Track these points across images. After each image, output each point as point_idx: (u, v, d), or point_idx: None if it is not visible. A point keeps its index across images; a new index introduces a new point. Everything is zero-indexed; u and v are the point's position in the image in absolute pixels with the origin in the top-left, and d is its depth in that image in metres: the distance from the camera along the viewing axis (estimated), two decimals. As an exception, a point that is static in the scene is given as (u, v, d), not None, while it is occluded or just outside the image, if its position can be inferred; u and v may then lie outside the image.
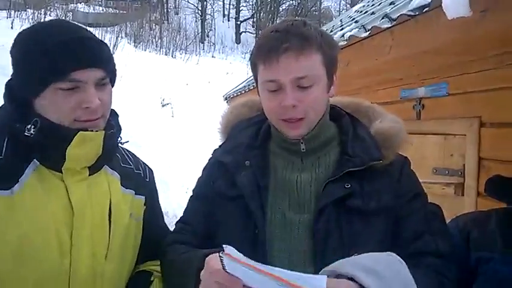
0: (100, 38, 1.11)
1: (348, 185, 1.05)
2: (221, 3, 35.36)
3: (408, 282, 0.90)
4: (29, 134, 1.02)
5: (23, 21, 17.03)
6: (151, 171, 1.37)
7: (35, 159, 1.05)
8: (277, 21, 1.22)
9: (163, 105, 14.28)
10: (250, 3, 34.30)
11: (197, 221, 1.19)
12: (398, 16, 2.00)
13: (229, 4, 35.71)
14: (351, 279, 0.87)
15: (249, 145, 1.17)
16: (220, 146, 1.26)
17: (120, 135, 1.21)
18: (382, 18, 2.21)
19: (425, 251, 1.06)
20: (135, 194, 1.24)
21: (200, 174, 1.28)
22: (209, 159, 1.27)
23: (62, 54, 1.01)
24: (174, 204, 6.46)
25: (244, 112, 1.29)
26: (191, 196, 1.27)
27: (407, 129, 2.95)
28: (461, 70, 2.34)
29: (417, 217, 1.09)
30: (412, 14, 1.90)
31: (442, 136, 2.45)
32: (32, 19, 17.89)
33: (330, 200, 1.04)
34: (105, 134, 1.09)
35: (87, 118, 1.06)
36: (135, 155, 1.36)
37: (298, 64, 1.02)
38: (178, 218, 1.29)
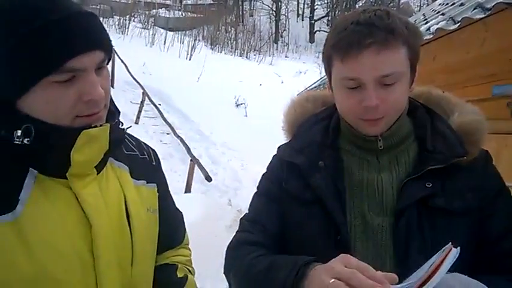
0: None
1: (429, 184, 0.97)
2: (295, 2, 35.34)
3: None
4: (19, 142, 0.84)
5: (109, 27, 18.33)
6: (155, 152, 1.24)
7: (31, 168, 0.88)
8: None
9: (237, 105, 14.57)
10: (325, 1, 33.92)
11: (269, 221, 1.12)
12: (494, 5, 1.85)
13: (304, 3, 35.59)
14: None
15: (321, 144, 1.10)
16: (286, 145, 1.19)
17: (120, 120, 1.04)
18: (475, 8, 2.06)
19: None
20: (147, 183, 1.12)
21: (266, 171, 1.21)
22: (274, 157, 1.20)
23: (54, 39, 0.81)
24: (247, 202, 6.56)
25: (309, 108, 1.20)
26: (256, 193, 1.20)
27: (500, 129, 2.76)
28: None
29: (502, 215, 1.00)
30: (510, 1, 1.74)
31: (541, 136, 2.23)
32: (117, 25, 19.17)
33: (410, 201, 0.97)
34: (110, 126, 0.94)
35: (89, 112, 0.89)
36: (136, 137, 1.22)
37: (383, 61, 0.93)
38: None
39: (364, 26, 0.93)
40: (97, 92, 0.87)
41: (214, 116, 12.67)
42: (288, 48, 29.74)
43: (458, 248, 0.79)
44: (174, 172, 8.93)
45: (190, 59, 18.35)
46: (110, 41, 0.95)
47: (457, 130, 1.04)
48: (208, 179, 7.44)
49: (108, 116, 0.96)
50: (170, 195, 1.28)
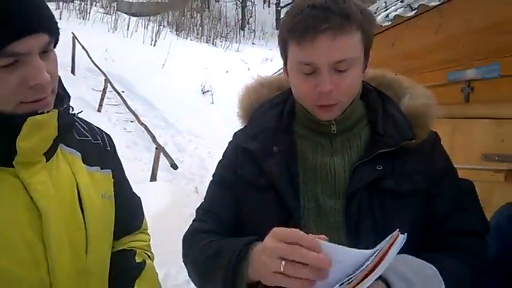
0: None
1: (379, 167, 1.00)
2: (262, -11, 35.11)
3: None
4: None
5: (70, 12, 17.67)
6: (110, 137, 1.22)
7: None
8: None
9: (203, 92, 14.43)
10: (291, -12, 33.87)
11: (223, 209, 1.13)
12: (447, -8, 1.90)
13: (270, -10, 35.40)
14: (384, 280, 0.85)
15: (275, 129, 1.11)
16: (241, 131, 1.19)
17: (71, 105, 1.01)
18: (430, -5, 2.11)
19: (458, 230, 1.02)
20: (101, 169, 1.10)
21: (221, 158, 1.22)
22: (229, 144, 1.21)
23: None
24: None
25: (264, 93, 1.21)
26: (212, 181, 1.21)
27: (455, 114, 2.85)
28: (515, 50, 2.20)
29: (449, 195, 1.04)
30: (463, -11, 1.79)
31: (492, 120, 2.33)
32: (78, 10, 18.51)
33: (361, 184, 1.00)
34: (58, 112, 0.91)
35: (35, 98, 0.86)
36: (88, 122, 1.18)
37: (338, 46, 0.94)
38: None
39: (320, 10, 0.93)
40: (42, 76, 0.83)
41: (179, 103, 12.51)
42: (254, 35, 29.57)
43: (405, 234, 0.82)
44: (138, 160, 8.80)
45: (154, 45, 17.95)
46: (56, 23, 0.91)
47: (406, 113, 1.06)
48: (174, 166, 7.38)
49: (56, 101, 0.94)
50: (127, 180, 1.26)
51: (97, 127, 1.21)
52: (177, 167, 7.51)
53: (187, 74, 14.64)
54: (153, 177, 7.71)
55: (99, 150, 1.13)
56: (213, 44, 23.75)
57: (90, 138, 1.13)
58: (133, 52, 15.20)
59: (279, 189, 1.03)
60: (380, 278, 0.84)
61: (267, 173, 1.06)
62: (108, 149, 1.18)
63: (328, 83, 0.96)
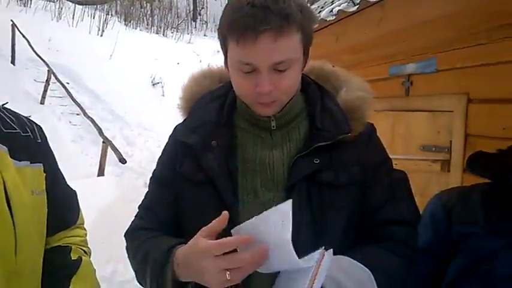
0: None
1: (317, 160, 1.02)
2: (213, -20, 34.73)
3: None
4: None
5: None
6: (41, 128, 1.18)
7: None
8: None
9: (153, 84, 14.12)
10: (243, -20, 33.63)
11: (161, 208, 1.12)
12: (387, -11, 1.95)
13: (222, -19, 35.10)
14: None
15: (216, 122, 1.10)
16: (182, 124, 1.16)
17: None
18: (372, -9, 2.16)
19: (391, 220, 1.07)
20: (31, 163, 1.05)
21: (161, 154, 1.19)
22: (170, 137, 1.18)
23: None
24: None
25: (206, 85, 1.19)
26: (152, 178, 1.18)
27: (396, 106, 2.95)
28: (450, 45, 2.31)
29: (383, 185, 1.08)
30: (402, -14, 1.85)
31: (430, 113, 2.43)
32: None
33: (300, 177, 1.01)
34: None
35: None
36: (16, 113, 1.14)
37: (278, 48, 0.93)
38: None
39: (259, 9, 0.91)
40: None
41: (128, 95, 12.18)
42: (206, 27, 29.24)
43: (331, 250, 0.86)
44: (85, 155, 8.51)
45: (102, 35, 17.29)
46: None
47: (343, 107, 1.08)
48: (122, 161, 7.18)
49: None
50: (60, 173, 1.22)
51: (26, 118, 1.15)
52: (126, 161, 7.31)
53: (136, 66, 14.26)
54: (101, 172, 7.48)
55: (28, 143, 1.08)
56: (163, 35, 23.27)
57: (19, 130, 1.07)
58: (79, 42, 14.58)
59: (217, 183, 1.03)
60: None
61: (205, 168, 1.05)
62: (39, 141, 1.13)
63: (268, 84, 0.96)
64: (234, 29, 0.94)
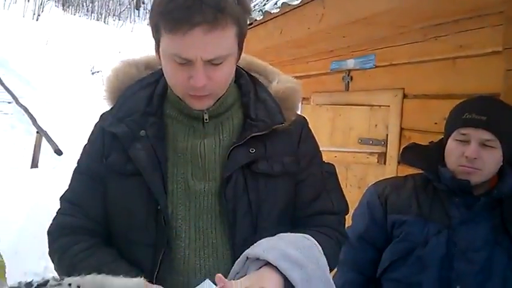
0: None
1: (252, 150, 1.02)
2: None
3: (325, 269, 0.94)
4: None
5: None
6: None
7: None
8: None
9: (93, 73, 13.58)
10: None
11: (91, 204, 1.05)
12: (329, -17, 1.99)
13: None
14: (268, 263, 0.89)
15: (144, 112, 1.05)
16: (108, 112, 1.10)
17: None
18: (314, -15, 2.19)
19: (323, 211, 1.10)
20: None
21: (87, 143, 1.12)
22: (95, 126, 1.11)
23: None
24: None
25: (132, 73, 1.13)
26: (77, 169, 1.10)
27: (336, 101, 3.02)
28: (388, 42, 2.40)
29: (315, 178, 1.11)
30: (343, -18, 1.89)
31: (368, 107, 2.52)
32: None
33: (236, 167, 1.01)
34: None
35: None
36: None
37: (212, 42, 0.90)
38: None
39: (194, 2, 0.87)
40: None
41: (66, 84, 11.62)
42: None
43: (207, 279, 0.89)
44: (17, 145, 8.03)
45: (37, 20, 16.37)
46: None
47: (275, 97, 1.09)
48: (58, 152, 6.86)
49: None
50: None
51: None
52: (62, 153, 7.00)
53: (74, 53, 13.62)
54: (34, 164, 7.11)
55: None
56: (104, 22, 22.39)
57: None
58: (12, 26, 13.70)
59: (145, 174, 0.99)
60: (270, 266, 0.89)
61: (133, 159, 1.00)
62: None
63: (203, 78, 0.93)
64: (167, 19, 0.90)
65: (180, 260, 0.99)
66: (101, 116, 1.11)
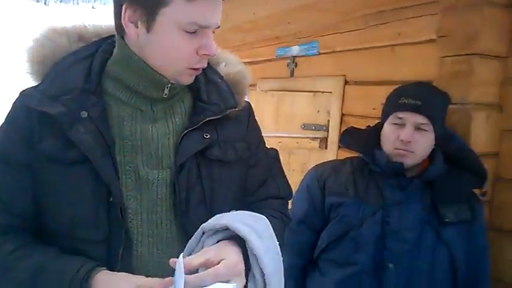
0: None
1: (207, 135, 0.96)
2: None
3: (277, 244, 0.92)
4: None
5: None
6: None
7: None
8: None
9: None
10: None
11: (17, 198, 0.91)
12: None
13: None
14: (231, 237, 0.86)
15: (83, 89, 0.92)
16: (34, 89, 0.93)
17: None
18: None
19: (270, 195, 1.10)
20: None
21: (3, 125, 0.94)
22: (16, 105, 0.94)
23: None
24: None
25: (63, 43, 0.98)
26: None
27: (281, 87, 3.03)
28: (331, 29, 2.43)
29: (262, 164, 1.10)
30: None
31: (311, 93, 2.54)
32: None
33: (190, 153, 0.94)
34: None
35: None
36: None
37: (219, 10, 0.90)
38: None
39: None
40: None
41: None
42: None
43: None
44: None
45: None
46: None
47: (226, 80, 1.05)
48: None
49: None
50: None
51: None
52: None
53: (10, 34, 12.81)
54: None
55: None
56: (45, 3, 21.22)
57: None
58: None
59: (94, 160, 0.87)
60: (228, 239, 0.86)
61: (76, 144, 0.87)
62: None
63: (215, 46, 0.92)
64: None
65: (133, 258, 0.90)
66: (22, 92, 0.94)
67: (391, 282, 1.31)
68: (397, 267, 1.30)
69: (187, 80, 0.96)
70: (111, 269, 0.85)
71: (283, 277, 0.92)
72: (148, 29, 0.89)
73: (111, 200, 0.88)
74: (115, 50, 0.96)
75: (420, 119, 1.33)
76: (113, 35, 0.97)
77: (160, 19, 0.87)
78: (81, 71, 0.95)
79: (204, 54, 0.91)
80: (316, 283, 1.46)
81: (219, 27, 0.91)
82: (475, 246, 1.38)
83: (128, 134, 0.93)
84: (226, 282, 0.79)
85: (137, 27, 0.89)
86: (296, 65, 2.78)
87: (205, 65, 0.95)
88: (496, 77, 1.57)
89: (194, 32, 0.88)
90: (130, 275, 0.83)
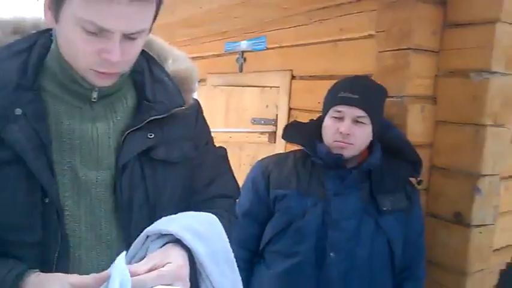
0: None
1: (151, 135, 0.93)
2: None
3: (227, 243, 0.93)
4: None
5: None
6: None
7: None
8: None
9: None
10: None
11: None
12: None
13: None
14: (177, 240, 0.85)
15: (18, 85, 0.87)
16: None
17: None
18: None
19: (218, 195, 1.09)
20: None
21: None
22: None
23: None
24: None
25: None
26: None
27: (230, 82, 3.03)
28: (277, 25, 2.46)
29: (210, 163, 1.08)
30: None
31: (260, 88, 2.57)
32: None
33: (133, 154, 0.91)
34: None
35: None
36: None
37: (135, 13, 0.79)
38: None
39: None
40: None
41: None
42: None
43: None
44: None
45: None
46: None
47: (173, 78, 1.01)
48: None
49: None
50: None
51: None
52: None
53: None
54: None
55: None
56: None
57: None
58: None
59: (28, 160, 0.83)
60: (173, 243, 0.85)
61: (8, 143, 0.84)
62: None
63: (119, 53, 0.81)
64: None
65: (70, 261, 0.87)
66: None
67: (332, 271, 1.35)
68: (337, 256, 1.35)
69: (98, 82, 0.89)
70: (49, 271, 0.82)
71: (239, 276, 0.95)
72: (56, 19, 0.84)
73: (46, 201, 0.84)
74: (52, 44, 0.91)
75: (358, 112, 1.37)
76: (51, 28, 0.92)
77: (65, 11, 0.82)
78: (15, 66, 0.89)
79: (106, 58, 0.83)
80: (262, 276, 1.48)
81: (132, 34, 0.82)
82: (412, 232, 1.44)
83: (65, 133, 0.89)
84: (169, 285, 0.78)
85: (53, 16, 0.85)
86: (245, 60, 2.79)
87: (117, 71, 0.88)
88: (430, 70, 1.65)
89: (96, 34, 0.81)
90: (64, 274, 0.80)
